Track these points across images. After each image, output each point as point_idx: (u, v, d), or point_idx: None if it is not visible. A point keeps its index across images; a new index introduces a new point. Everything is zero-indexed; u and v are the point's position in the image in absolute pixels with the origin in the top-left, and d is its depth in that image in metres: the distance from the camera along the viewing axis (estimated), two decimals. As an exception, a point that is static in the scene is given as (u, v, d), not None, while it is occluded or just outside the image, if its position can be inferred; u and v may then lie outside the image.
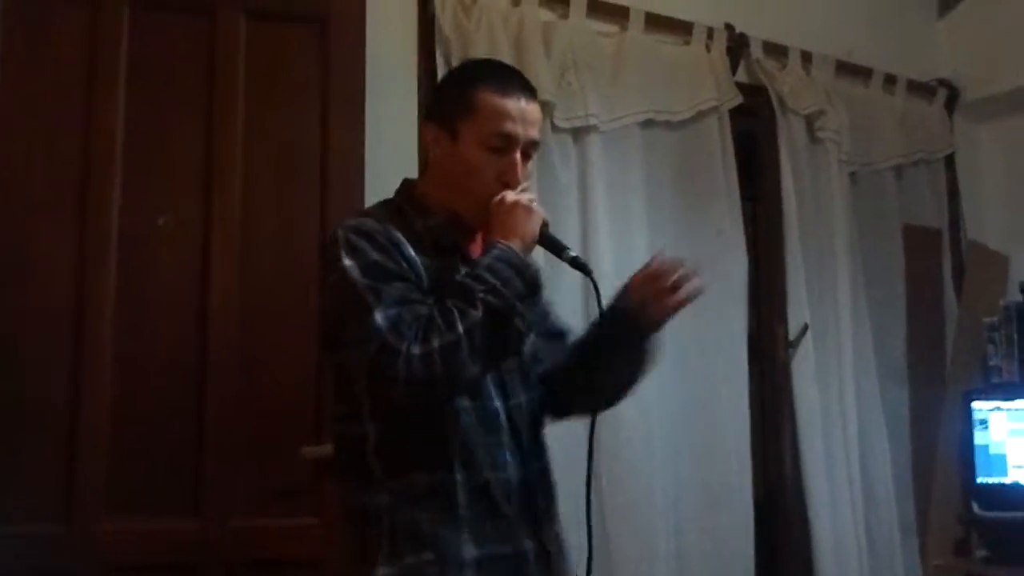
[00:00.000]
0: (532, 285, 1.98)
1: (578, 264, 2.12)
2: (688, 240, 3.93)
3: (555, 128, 3.62)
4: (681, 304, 2.19)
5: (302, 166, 3.05)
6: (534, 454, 2.16)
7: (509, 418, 2.10)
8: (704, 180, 4.04)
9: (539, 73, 3.50)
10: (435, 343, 1.84)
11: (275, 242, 2.99)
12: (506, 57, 3.49)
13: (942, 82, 4.99)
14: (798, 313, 4.17)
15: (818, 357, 4.18)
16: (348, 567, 2.08)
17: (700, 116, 4.05)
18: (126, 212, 2.86)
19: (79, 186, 2.84)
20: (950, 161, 5.01)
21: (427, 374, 1.84)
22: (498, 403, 2.09)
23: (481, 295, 1.89)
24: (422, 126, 2.20)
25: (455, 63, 3.39)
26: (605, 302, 2.15)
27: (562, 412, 2.30)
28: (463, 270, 1.98)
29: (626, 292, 2.19)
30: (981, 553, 4.26)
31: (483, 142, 2.07)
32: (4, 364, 2.73)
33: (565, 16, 3.77)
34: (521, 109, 2.09)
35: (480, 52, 3.43)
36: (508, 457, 2.08)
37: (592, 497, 2.16)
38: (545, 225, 2.09)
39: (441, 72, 3.41)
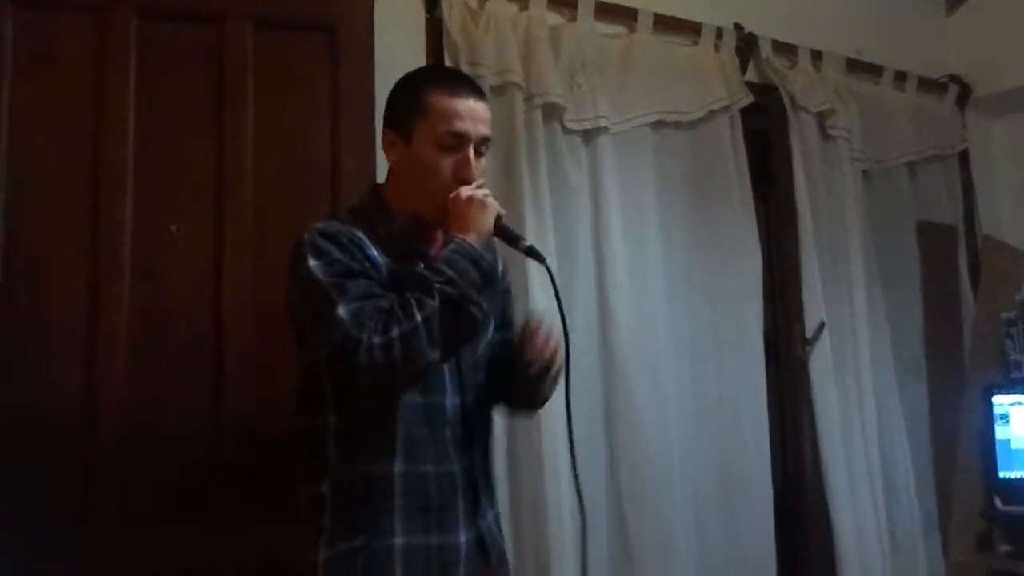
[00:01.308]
0: (487, 275, 2.11)
1: (533, 252, 2.25)
2: (701, 240, 3.93)
3: (566, 130, 3.62)
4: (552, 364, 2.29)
5: (313, 173, 3.06)
6: (483, 447, 2.31)
7: (462, 411, 2.22)
8: (716, 180, 4.03)
9: (548, 76, 3.51)
10: (394, 332, 1.96)
11: (287, 248, 2.94)
12: (515, 61, 3.50)
13: (953, 78, 4.99)
14: (814, 311, 4.16)
15: (835, 354, 4.18)
16: (300, 556, 2.17)
17: (711, 116, 4.05)
18: (139, 220, 2.86)
19: (91, 195, 2.84)
20: (963, 157, 5.01)
21: (387, 361, 1.95)
22: (450, 398, 2.20)
23: (438, 285, 2.01)
24: (380, 134, 2.34)
25: (464, 68, 3.40)
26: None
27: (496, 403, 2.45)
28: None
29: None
30: (1004, 548, 4.24)
31: (436, 141, 2.18)
32: (19, 373, 2.73)
33: (573, 19, 3.78)
34: (470, 107, 2.21)
35: (489, 57, 3.45)
36: (451, 450, 2.19)
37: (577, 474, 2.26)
38: (499, 217, 2.19)
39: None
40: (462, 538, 2.16)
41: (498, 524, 2.34)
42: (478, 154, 2.22)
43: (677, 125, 3.99)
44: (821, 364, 4.13)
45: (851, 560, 3.99)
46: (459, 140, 2.18)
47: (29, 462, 2.71)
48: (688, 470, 3.73)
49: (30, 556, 2.65)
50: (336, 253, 2.09)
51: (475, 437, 2.26)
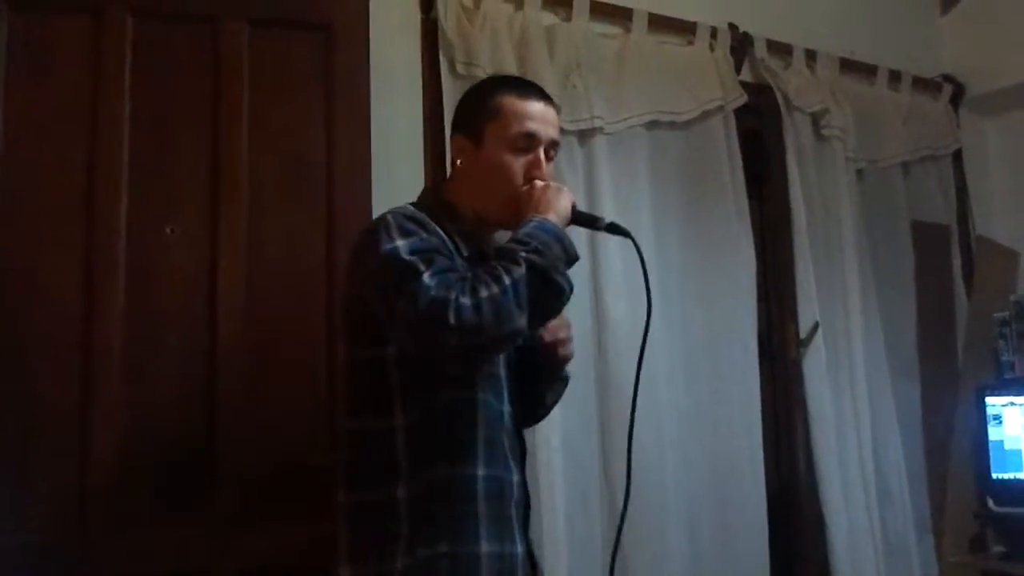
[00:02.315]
0: (570, 252, 2.08)
1: (616, 229, 2.30)
2: (695, 240, 3.93)
3: (561, 131, 3.60)
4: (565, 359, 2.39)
5: (308, 174, 3.04)
6: (524, 459, 2.28)
7: (513, 421, 2.21)
8: (710, 180, 4.03)
9: (543, 76, 3.50)
10: (483, 293, 1.92)
11: (282, 250, 2.98)
12: (510, 61, 3.51)
13: (947, 78, 5.00)
14: (808, 311, 4.16)
15: (829, 355, 4.17)
16: (358, 566, 2.11)
17: (705, 116, 4.04)
18: (133, 221, 2.84)
19: (86, 196, 2.82)
20: (957, 157, 5.01)
21: (477, 320, 1.90)
22: (506, 406, 2.19)
23: (523, 254, 1.99)
24: (449, 141, 2.39)
25: (459, 68, 3.42)
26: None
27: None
28: None
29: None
30: (997, 549, 4.25)
31: (508, 143, 2.21)
32: (14, 374, 2.72)
33: (568, 19, 3.77)
34: (541, 110, 2.25)
35: (484, 57, 3.45)
36: (512, 459, 2.18)
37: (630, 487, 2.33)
38: (574, 205, 2.21)
39: (446, 77, 3.44)
40: (519, 548, 2.15)
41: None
42: (548, 157, 2.25)
43: (672, 125, 3.98)
44: (815, 365, 4.13)
45: (844, 561, 3.99)
46: (530, 141, 2.21)
47: (24, 464, 2.70)
48: (681, 470, 3.73)
49: (26, 559, 2.64)
50: (422, 233, 2.07)
51: (524, 448, 2.27)
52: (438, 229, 2.12)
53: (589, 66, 3.74)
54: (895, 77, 4.78)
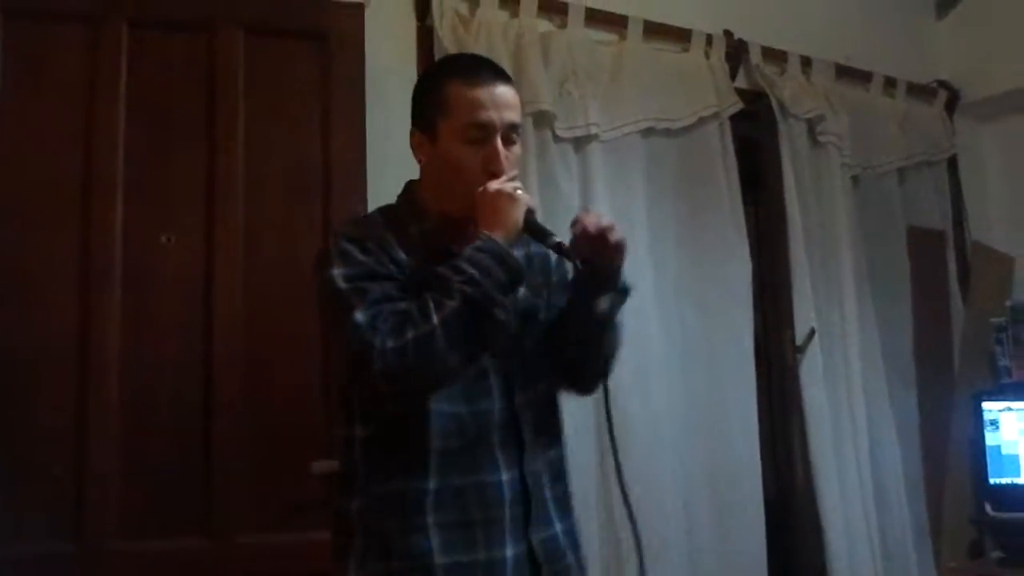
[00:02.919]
0: (514, 274, 1.95)
1: (562, 251, 2.06)
2: (691, 247, 3.93)
3: (556, 138, 3.62)
4: (619, 245, 2.07)
5: (304, 181, 3.05)
6: (535, 453, 2.12)
7: (512, 417, 2.08)
8: (706, 187, 4.04)
9: (539, 83, 3.51)
10: (408, 335, 1.84)
11: (279, 257, 2.98)
12: (506, 68, 3.47)
13: (942, 84, 5.01)
14: (804, 317, 4.16)
15: (825, 361, 4.18)
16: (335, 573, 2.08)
17: (701, 123, 4.05)
18: (129, 230, 2.85)
19: (82, 205, 2.83)
20: (952, 162, 5.02)
21: (401, 366, 1.84)
22: (497, 403, 2.07)
23: (458, 284, 1.87)
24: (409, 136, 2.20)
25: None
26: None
27: (577, 388, 2.29)
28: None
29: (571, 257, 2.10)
30: (995, 555, 4.24)
31: (461, 135, 2.05)
32: (11, 385, 2.72)
33: (563, 26, 3.77)
34: (492, 95, 2.06)
35: (479, 64, 3.44)
36: (499, 459, 2.05)
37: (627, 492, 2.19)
38: (531, 212, 2.04)
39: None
40: (508, 552, 2.02)
41: (570, 536, 2.18)
42: (509, 142, 2.07)
43: (667, 132, 3.99)
44: (811, 371, 4.13)
45: (842, 567, 3.99)
46: (484, 131, 2.04)
47: (23, 473, 2.70)
48: (679, 478, 3.72)
49: (26, 570, 2.63)
50: (359, 255, 1.97)
51: (526, 443, 2.09)
52: (388, 238, 2.03)
53: (584, 73, 3.74)
54: (890, 83, 4.79)
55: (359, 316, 1.87)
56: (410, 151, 3.20)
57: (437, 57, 3.43)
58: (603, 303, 2.12)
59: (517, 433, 2.09)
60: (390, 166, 3.19)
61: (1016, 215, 4.99)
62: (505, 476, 2.05)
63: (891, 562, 4.19)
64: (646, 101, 3.91)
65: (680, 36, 4.11)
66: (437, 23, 3.46)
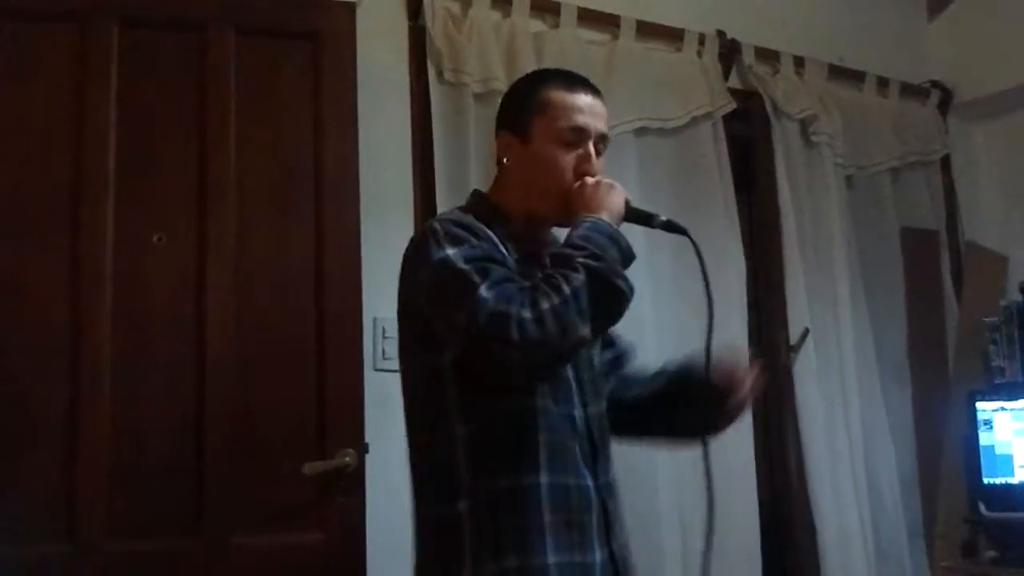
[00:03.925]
0: (626, 254, 2.00)
1: (673, 227, 2.19)
2: (685, 247, 3.90)
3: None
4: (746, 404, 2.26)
5: (296, 181, 3.05)
6: (606, 463, 2.16)
7: (587, 425, 2.11)
8: (699, 186, 4.03)
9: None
10: (544, 305, 1.84)
11: (271, 257, 2.98)
12: (498, 68, 3.50)
13: (935, 84, 5.00)
14: (798, 317, 4.16)
15: (820, 361, 4.17)
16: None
17: (694, 123, 4.05)
18: (121, 230, 2.85)
19: (73, 204, 2.83)
20: (945, 162, 5.01)
21: (540, 335, 1.82)
22: (577, 410, 2.09)
23: (580, 259, 1.90)
24: (494, 138, 2.26)
25: (447, 76, 3.43)
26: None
27: (624, 434, 2.34)
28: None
29: (713, 370, 2.21)
30: (989, 554, 4.23)
31: (557, 137, 2.12)
32: (3, 386, 2.72)
33: (556, 26, 3.77)
34: (589, 103, 2.16)
35: (471, 64, 3.46)
36: (585, 464, 2.08)
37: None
38: (628, 201, 2.12)
39: (433, 84, 3.45)
40: (597, 557, 2.04)
41: (629, 548, 2.22)
42: (597, 152, 2.15)
43: (660, 132, 3.99)
44: (805, 370, 4.13)
45: (836, 567, 3.98)
46: (579, 135, 2.13)
47: (13, 475, 2.69)
48: (673, 477, 3.71)
49: (18, 572, 2.63)
50: (473, 239, 1.98)
51: (599, 452, 2.13)
52: (489, 232, 2.05)
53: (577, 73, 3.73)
54: (883, 83, 4.78)
55: (484, 292, 1.86)
56: (400, 151, 3.23)
57: (428, 56, 3.45)
58: (712, 431, 2.28)
59: (592, 441, 2.12)
60: (382, 166, 3.22)
61: (1009, 215, 4.98)
62: (590, 481, 2.08)
63: (885, 561, 4.18)
64: (639, 101, 3.90)
65: (673, 36, 4.11)
66: (429, 23, 3.46)
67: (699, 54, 4.14)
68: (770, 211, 4.28)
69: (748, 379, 2.22)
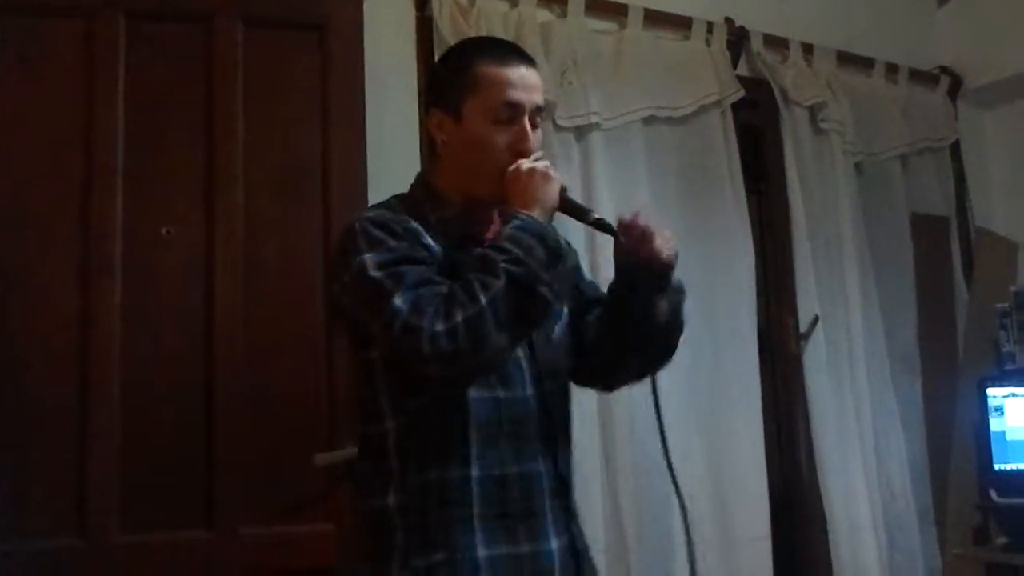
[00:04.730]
0: (555, 252, 1.90)
1: (603, 226, 2.05)
2: (694, 235, 3.92)
3: (557, 127, 3.61)
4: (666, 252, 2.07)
5: (304, 173, 3.04)
6: (566, 445, 2.11)
7: (541, 405, 2.04)
8: (708, 175, 4.03)
9: (539, 69, 3.49)
10: (458, 317, 1.77)
11: (279, 249, 2.97)
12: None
13: (944, 70, 4.99)
14: (808, 305, 4.16)
15: (829, 348, 4.17)
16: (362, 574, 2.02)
17: (702, 111, 4.04)
18: (129, 223, 2.85)
19: (81, 198, 2.83)
20: (955, 148, 5.00)
21: (452, 348, 1.77)
22: (529, 390, 2.03)
23: (503, 264, 1.82)
24: (425, 116, 2.15)
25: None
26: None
27: (609, 383, 2.31)
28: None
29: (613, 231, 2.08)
30: (1001, 541, 4.23)
31: (489, 115, 2.02)
32: (11, 378, 2.72)
33: (563, 15, 3.77)
34: (522, 75, 2.04)
35: (479, 54, 3.44)
36: (537, 448, 2.02)
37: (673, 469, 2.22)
38: (564, 190, 2.02)
39: (441, 74, 3.42)
40: (554, 545, 1.98)
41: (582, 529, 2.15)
42: (533, 125, 2.04)
43: (669, 120, 3.98)
44: (815, 358, 4.13)
45: (847, 554, 3.99)
46: (514, 111, 2.01)
47: (23, 468, 2.70)
48: (682, 466, 3.69)
49: (29, 565, 2.64)
50: (390, 241, 1.91)
51: (557, 432, 2.07)
52: (414, 225, 1.97)
53: (585, 62, 3.74)
54: (892, 69, 4.77)
55: (398, 301, 1.81)
56: (408, 142, 3.22)
57: (436, 48, 3.43)
58: (662, 305, 2.11)
59: (548, 423, 2.05)
60: (389, 156, 3.21)
61: (1020, 201, 4.98)
62: (543, 467, 2.02)
63: (896, 549, 4.18)
64: (647, 89, 3.90)
65: (681, 24, 4.10)
66: (436, 13, 3.46)
67: (707, 42, 4.14)
68: (779, 199, 4.28)
69: (649, 224, 2.05)
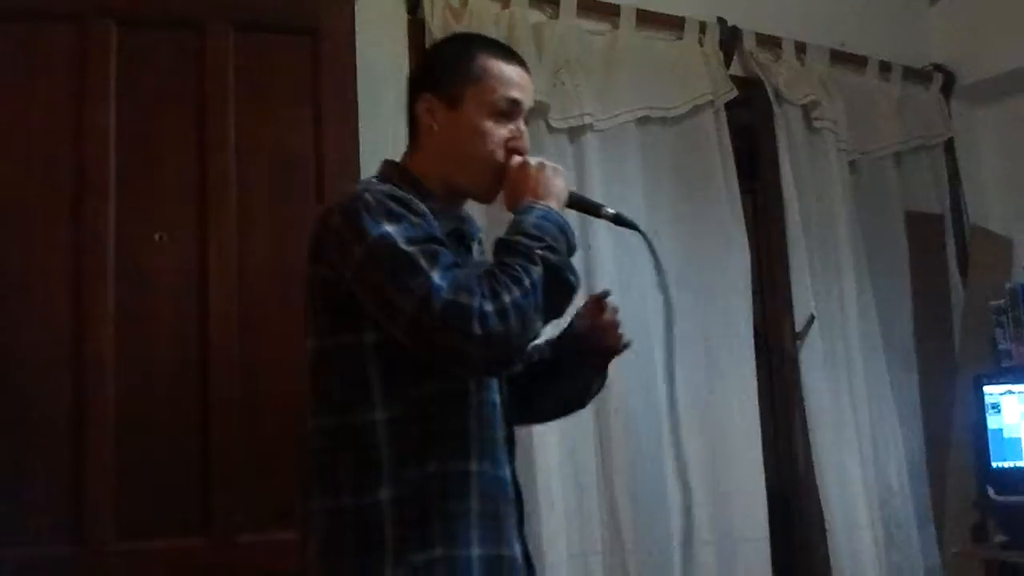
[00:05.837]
0: (572, 246, 1.91)
1: (622, 220, 2.09)
2: (689, 235, 3.92)
3: (550, 128, 3.61)
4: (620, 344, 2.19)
5: (296, 177, 3.04)
6: (513, 453, 2.08)
7: (504, 410, 2.04)
8: (702, 175, 4.03)
9: (532, 74, 3.48)
10: (506, 298, 1.74)
11: (272, 254, 2.96)
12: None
13: (938, 67, 4.98)
14: (804, 304, 4.15)
15: (825, 347, 4.17)
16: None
17: (696, 111, 4.04)
18: (122, 229, 2.84)
19: (74, 204, 2.82)
20: (949, 146, 4.99)
21: (504, 329, 1.73)
22: (497, 395, 2.02)
23: (540, 252, 1.81)
24: (413, 98, 2.11)
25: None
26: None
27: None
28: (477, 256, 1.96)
29: (576, 317, 2.18)
30: (999, 538, 4.23)
31: (489, 107, 2.03)
32: (7, 386, 2.71)
33: (555, 16, 3.77)
34: (522, 75, 2.08)
35: (471, 55, 3.44)
36: (503, 452, 2.01)
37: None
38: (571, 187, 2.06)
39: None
40: (517, 551, 1.98)
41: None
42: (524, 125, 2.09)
43: (662, 120, 3.98)
44: (811, 357, 4.12)
45: (845, 553, 3.98)
46: (514, 107, 2.04)
47: (19, 475, 2.69)
48: (679, 465, 3.71)
49: (25, 572, 2.63)
50: (413, 217, 1.85)
51: (512, 440, 2.06)
52: (424, 209, 1.89)
53: (578, 63, 3.73)
54: (885, 67, 4.77)
55: (437, 278, 1.75)
56: (401, 145, 3.19)
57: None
58: (597, 381, 2.24)
59: (508, 429, 2.04)
60: (382, 158, 3.19)
61: (1014, 197, 4.97)
62: (507, 472, 2.01)
63: (894, 548, 4.17)
64: (640, 90, 3.90)
65: (673, 24, 4.10)
66: (428, 16, 3.46)
67: (700, 42, 4.13)
68: (774, 198, 4.28)
69: (610, 317, 2.15)
